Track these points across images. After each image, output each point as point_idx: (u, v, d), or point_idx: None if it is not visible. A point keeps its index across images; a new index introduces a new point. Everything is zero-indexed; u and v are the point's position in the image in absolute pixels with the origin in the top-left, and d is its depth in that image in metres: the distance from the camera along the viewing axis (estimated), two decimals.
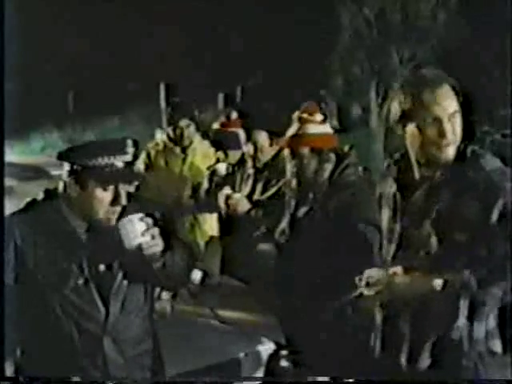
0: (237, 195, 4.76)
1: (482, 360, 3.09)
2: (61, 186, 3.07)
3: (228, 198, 4.77)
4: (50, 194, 3.20)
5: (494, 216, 2.98)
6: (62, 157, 3.10)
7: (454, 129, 3.20)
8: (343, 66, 4.08)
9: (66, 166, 3.07)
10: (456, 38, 3.61)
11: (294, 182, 4.50)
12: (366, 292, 3.12)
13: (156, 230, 3.02)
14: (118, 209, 3.09)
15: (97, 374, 2.97)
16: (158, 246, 3.02)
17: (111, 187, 3.04)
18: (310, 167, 4.44)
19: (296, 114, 4.47)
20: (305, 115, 4.46)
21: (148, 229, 2.99)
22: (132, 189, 3.14)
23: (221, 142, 5.78)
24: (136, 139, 3.29)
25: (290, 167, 4.53)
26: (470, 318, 3.11)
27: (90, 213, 3.02)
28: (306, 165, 4.45)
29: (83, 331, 2.95)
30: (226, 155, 5.73)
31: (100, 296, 2.90)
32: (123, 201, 3.07)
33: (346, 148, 4.46)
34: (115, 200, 3.05)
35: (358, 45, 4.01)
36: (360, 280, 3.11)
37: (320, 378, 3.59)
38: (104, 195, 3.04)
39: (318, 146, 4.43)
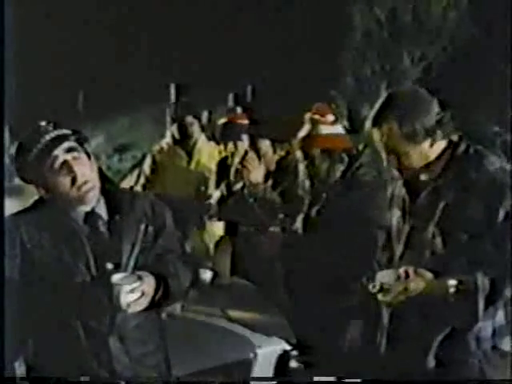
0: (255, 161, 4.78)
1: (488, 359, 3.07)
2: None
3: (244, 160, 4.78)
4: None
5: (500, 216, 2.96)
6: (23, 179, 3.01)
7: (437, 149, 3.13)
8: (354, 66, 4.08)
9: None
10: (466, 38, 3.60)
11: (307, 183, 4.48)
12: (380, 297, 3.08)
13: (145, 286, 2.91)
14: (87, 182, 2.92)
15: (103, 373, 2.96)
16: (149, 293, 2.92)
17: (56, 165, 2.89)
18: (322, 168, 4.43)
19: (308, 115, 4.46)
20: (316, 116, 4.45)
21: (136, 287, 2.88)
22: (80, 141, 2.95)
23: (225, 136, 5.83)
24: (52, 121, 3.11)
25: (302, 168, 4.51)
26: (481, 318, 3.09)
27: (69, 200, 2.93)
28: (318, 165, 4.44)
29: (89, 330, 2.93)
30: (236, 147, 5.76)
31: (107, 294, 2.88)
32: (75, 167, 2.90)
33: (361, 147, 4.44)
34: (62, 169, 2.90)
35: (369, 45, 4.01)
36: (374, 287, 3.06)
37: (330, 378, 3.58)
38: (58, 177, 2.91)
39: (330, 147, 4.41)
